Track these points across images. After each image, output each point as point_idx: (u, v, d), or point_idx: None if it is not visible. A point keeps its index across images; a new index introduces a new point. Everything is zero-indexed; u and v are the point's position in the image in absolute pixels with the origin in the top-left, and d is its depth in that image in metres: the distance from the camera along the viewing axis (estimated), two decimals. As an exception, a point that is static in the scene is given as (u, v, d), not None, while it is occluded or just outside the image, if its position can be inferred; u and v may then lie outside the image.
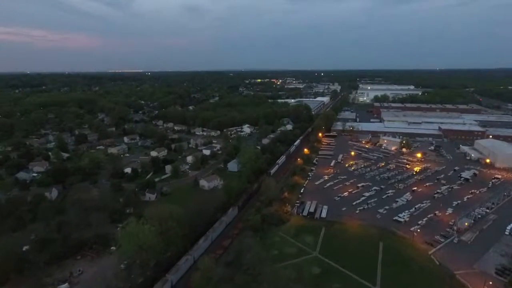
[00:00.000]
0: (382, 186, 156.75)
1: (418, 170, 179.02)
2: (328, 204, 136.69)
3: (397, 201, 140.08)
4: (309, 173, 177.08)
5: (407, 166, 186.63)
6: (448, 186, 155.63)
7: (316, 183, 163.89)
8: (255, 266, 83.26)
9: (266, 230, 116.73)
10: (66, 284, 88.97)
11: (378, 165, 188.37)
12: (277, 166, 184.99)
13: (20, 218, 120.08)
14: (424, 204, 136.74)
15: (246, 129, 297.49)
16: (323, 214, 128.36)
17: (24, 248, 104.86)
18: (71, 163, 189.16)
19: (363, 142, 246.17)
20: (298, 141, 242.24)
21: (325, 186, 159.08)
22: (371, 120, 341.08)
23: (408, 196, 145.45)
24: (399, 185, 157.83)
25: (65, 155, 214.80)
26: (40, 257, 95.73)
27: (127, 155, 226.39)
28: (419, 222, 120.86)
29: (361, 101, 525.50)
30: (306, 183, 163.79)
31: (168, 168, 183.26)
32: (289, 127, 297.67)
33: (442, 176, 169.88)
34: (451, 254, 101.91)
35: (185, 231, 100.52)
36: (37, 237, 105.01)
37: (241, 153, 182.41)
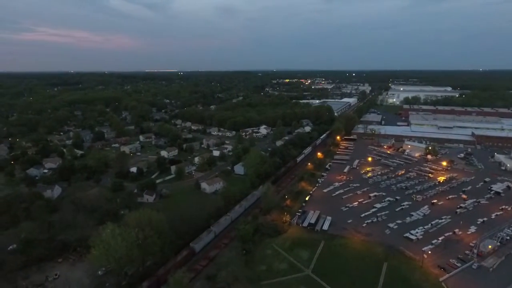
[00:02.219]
0: (397, 197, 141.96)
1: (442, 180, 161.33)
2: (333, 215, 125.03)
3: (412, 215, 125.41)
4: (318, 179, 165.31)
5: (429, 175, 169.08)
6: (475, 200, 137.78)
7: (325, 190, 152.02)
8: (229, 285, 74.76)
9: (258, 241, 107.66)
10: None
11: (396, 173, 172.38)
12: (303, 155, 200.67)
13: (15, 215, 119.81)
14: (443, 220, 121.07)
15: (263, 130, 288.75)
16: (325, 226, 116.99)
17: (11, 247, 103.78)
18: (81, 160, 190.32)
19: (385, 147, 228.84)
20: (313, 144, 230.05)
21: (333, 195, 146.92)
22: (398, 123, 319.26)
23: (425, 209, 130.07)
24: (417, 196, 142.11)
25: (79, 152, 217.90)
26: (18, 258, 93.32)
27: (139, 154, 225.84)
28: (434, 241, 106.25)
29: (390, 103, 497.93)
30: (313, 190, 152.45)
31: (173, 169, 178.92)
32: (307, 129, 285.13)
33: (469, 188, 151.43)
34: (467, 283, 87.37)
35: (165, 240, 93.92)
36: (24, 237, 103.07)
37: (246, 155, 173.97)
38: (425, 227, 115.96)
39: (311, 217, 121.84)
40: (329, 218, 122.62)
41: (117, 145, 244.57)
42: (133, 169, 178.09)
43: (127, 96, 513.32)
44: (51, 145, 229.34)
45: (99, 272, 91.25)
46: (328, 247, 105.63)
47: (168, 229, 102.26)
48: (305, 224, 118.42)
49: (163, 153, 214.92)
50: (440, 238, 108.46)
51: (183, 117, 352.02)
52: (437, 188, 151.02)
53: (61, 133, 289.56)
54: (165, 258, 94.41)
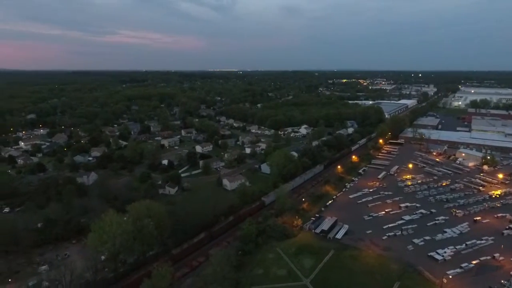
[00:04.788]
0: (433, 210, 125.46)
1: (494, 195, 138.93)
2: (352, 223, 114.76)
3: (445, 232, 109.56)
4: (347, 184, 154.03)
5: (480, 188, 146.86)
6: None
7: (351, 196, 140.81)
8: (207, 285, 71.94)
9: (263, 243, 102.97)
10: (46, 266, 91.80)
11: (440, 183, 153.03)
12: (357, 145, 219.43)
13: (49, 197, 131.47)
14: (483, 241, 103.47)
15: (303, 129, 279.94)
16: (339, 235, 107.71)
17: (39, 225, 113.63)
18: (121, 151, 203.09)
19: (434, 153, 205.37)
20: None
21: (359, 201, 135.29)
22: (458, 128, 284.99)
23: (464, 227, 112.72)
24: (458, 211, 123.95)
25: (124, 143, 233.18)
26: (37, 236, 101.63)
27: (177, 147, 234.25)
28: (464, 265, 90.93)
29: (455, 106, 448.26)
30: (338, 194, 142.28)
31: (201, 163, 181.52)
32: (350, 130, 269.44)
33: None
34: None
35: (164, 232, 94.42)
36: (47, 217, 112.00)
37: (271, 154, 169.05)
38: (458, 247, 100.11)
39: (326, 224, 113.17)
40: (346, 226, 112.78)
41: (159, 138, 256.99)
42: (165, 162, 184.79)
43: (181, 93, 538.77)
44: (101, 135, 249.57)
45: (102, 257, 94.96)
46: (336, 258, 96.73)
47: (175, 221, 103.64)
48: (318, 230, 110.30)
49: (198, 148, 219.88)
50: (473, 262, 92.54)
51: (228, 114, 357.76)
52: (485, 204, 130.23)
53: (115, 125, 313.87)
54: (165, 250, 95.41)
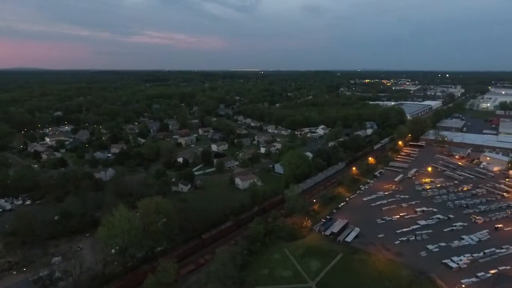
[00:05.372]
0: (451, 216, 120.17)
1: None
2: (363, 227, 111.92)
3: (463, 239, 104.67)
4: (361, 186, 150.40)
5: (504, 194, 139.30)
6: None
7: (364, 199, 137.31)
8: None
9: (270, 243, 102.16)
10: (59, 258, 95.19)
11: (460, 188, 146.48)
12: (380, 145, 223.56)
13: (67, 191, 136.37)
14: (504, 250, 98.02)
15: (320, 130, 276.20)
16: (349, 238, 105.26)
17: (56, 217, 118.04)
18: (138, 148, 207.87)
19: (456, 157, 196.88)
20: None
21: (373, 204, 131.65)
22: (484, 131, 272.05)
23: (484, 234, 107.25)
24: (478, 217, 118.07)
25: (142, 140, 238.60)
26: (54, 228, 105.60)
27: (193, 146, 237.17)
28: (480, 274, 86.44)
29: (483, 108, 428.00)
30: (351, 196, 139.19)
31: (215, 162, 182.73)
32: (369, 131, 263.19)
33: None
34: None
35: (173, 229, 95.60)
36: (64, 210, 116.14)
37: (284, 154, 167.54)
38: (475, 255, 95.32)
39: (336, 226, 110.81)
40: (357, 229, 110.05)
41: (177, 136, 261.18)
42: (180, 160, 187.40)
43: (201, 92, 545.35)
44: (121, 133, 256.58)
45: (113, 251, 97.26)
46: (344, 261, 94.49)
47: (184, 218, 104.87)
48: (327, 232, 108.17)
49: (213, 146, 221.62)
50: (491, 272, 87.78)
51: (245, 113, 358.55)
52: (508, 211, 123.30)
53: (136, 123, 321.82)
54: (174, 246, 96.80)
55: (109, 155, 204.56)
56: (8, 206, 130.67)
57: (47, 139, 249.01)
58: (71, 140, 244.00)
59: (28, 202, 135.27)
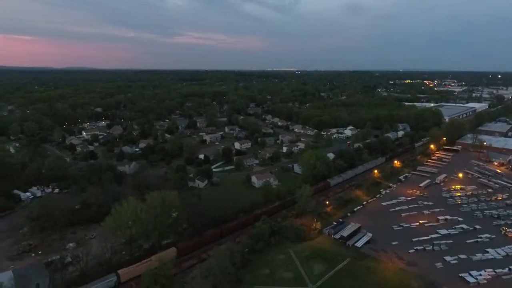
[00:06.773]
0: (477, 226, 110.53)
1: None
2: (377, 232, 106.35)
3: (487, 252, 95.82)
4: (382, 190, 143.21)
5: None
6: None
7: (384, 203, 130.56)
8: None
9: (275, 243, 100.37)
10: (74, 244, 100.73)
11: (494, 197, 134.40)
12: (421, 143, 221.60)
13: (92, 182, 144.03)
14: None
15: (348, 131, 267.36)
16: (360, 243, 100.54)
17: (77, 206, 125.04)
18: (162, 144, 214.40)
19: (495, 163, 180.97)
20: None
21: (392, 210, 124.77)
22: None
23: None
24: (509, 230, 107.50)
25: (169, 136, 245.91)
26: (73, 216, 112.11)
27: (217, 143, 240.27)
28: (501, 292, 78.57)
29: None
30: (369, 200, 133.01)
31: (235, 160, 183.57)
32: (400, 133, 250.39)
33: None
34: None
35: (179, 222, 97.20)
36: (84, 200, 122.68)
37: (302, 154, 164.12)
38: (498, 270, 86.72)
39: (347, 230, 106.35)
40: (369, 234, 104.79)
41: (203, 133, 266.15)
42: (201, 156, 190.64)
43: (233, 91, 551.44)
44: (151, 129, 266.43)
45: (123, 240, 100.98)
46: (351, 267, 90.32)
47: (194, 213, 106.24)
48: (337, 236, 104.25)
49: (236, 144, 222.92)
50: (514, 290, 79.54)
51: (274, 112, 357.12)
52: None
53: (167, 120, 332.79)
54: (180, 240, 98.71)
55: (137, 149, 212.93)
56: (38, 193, 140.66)
57: (84, 133, 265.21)
58: (105, 134, 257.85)
59: (56, 190, 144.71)
